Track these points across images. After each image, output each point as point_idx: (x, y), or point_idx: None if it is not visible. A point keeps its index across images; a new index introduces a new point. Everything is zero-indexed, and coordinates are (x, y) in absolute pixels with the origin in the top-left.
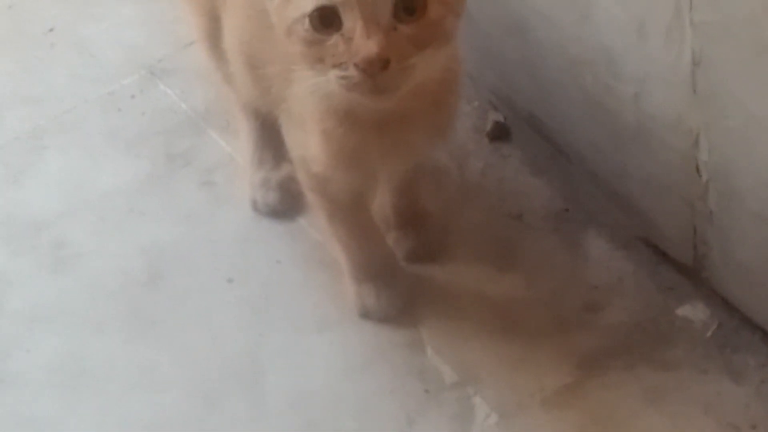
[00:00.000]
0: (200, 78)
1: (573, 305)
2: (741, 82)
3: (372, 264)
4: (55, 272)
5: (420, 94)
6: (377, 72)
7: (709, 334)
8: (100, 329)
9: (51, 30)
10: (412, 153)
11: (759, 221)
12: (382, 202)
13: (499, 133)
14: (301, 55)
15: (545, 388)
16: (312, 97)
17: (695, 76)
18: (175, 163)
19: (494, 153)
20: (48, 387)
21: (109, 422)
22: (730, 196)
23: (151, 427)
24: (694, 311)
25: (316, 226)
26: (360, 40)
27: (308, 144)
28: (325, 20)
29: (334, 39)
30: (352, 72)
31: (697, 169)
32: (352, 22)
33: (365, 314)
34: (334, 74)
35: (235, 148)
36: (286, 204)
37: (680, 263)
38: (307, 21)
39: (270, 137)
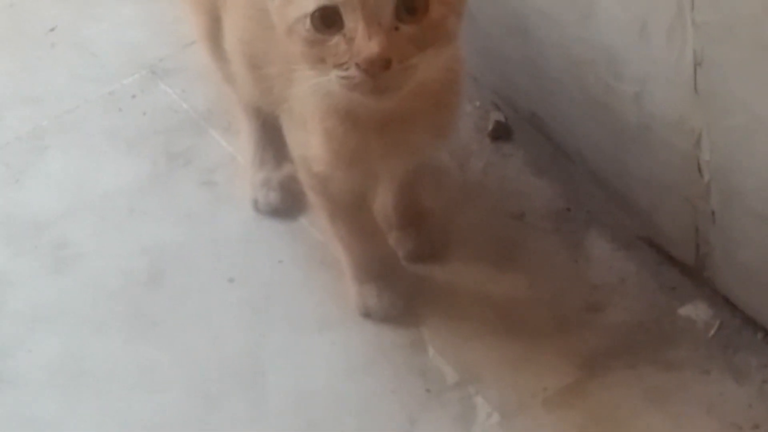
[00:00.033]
0: (201, 78)
1: (575, 305)
2: (742, 81)
3: (373, 264)
4: (55, 272)
5: (421, 94)
6: (379, 72)
7: (711, 334)
8: (100, 329)
9: (52, 30)
10: (413, 153)
11: (761, 221)
12: (383, 202)
13: (501, 133)
14: (302, 55)
15: (547, 388)
16: (313, 97)
17: (697, 75)
18: (176, 163)
19: (496, 152)
20: (49, 387)
21: (110, 422)
22: (732, 196)
23: (151, 427)
24: (696, 311)
25: (317, 225)
26: (361, 40)
27: (309, 144)
28: (327, 20)
29: (336, 39)
30: (354, 72)
31: (699, 169)
32: (353, 22)
33: (367, 314)
34: (335, 74)
35: (236, 148)
36: (287, 204)
37: (682, 263)
38: (308, 21)
39: (271, 137)
